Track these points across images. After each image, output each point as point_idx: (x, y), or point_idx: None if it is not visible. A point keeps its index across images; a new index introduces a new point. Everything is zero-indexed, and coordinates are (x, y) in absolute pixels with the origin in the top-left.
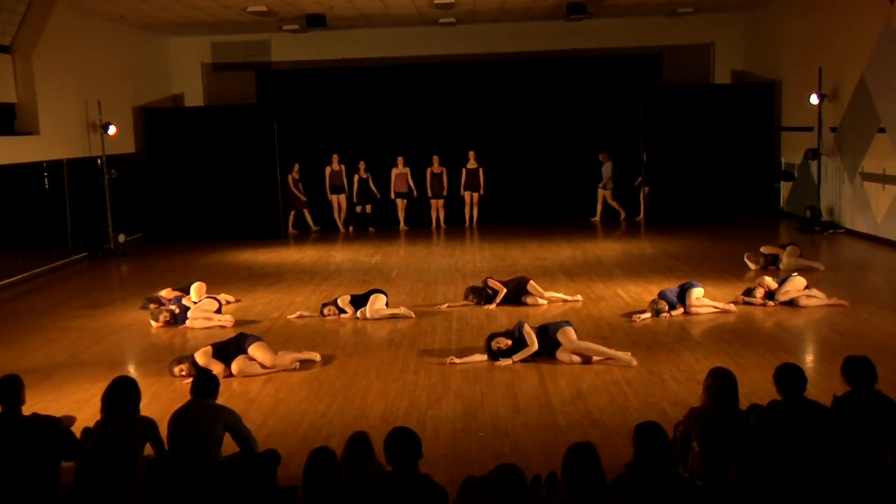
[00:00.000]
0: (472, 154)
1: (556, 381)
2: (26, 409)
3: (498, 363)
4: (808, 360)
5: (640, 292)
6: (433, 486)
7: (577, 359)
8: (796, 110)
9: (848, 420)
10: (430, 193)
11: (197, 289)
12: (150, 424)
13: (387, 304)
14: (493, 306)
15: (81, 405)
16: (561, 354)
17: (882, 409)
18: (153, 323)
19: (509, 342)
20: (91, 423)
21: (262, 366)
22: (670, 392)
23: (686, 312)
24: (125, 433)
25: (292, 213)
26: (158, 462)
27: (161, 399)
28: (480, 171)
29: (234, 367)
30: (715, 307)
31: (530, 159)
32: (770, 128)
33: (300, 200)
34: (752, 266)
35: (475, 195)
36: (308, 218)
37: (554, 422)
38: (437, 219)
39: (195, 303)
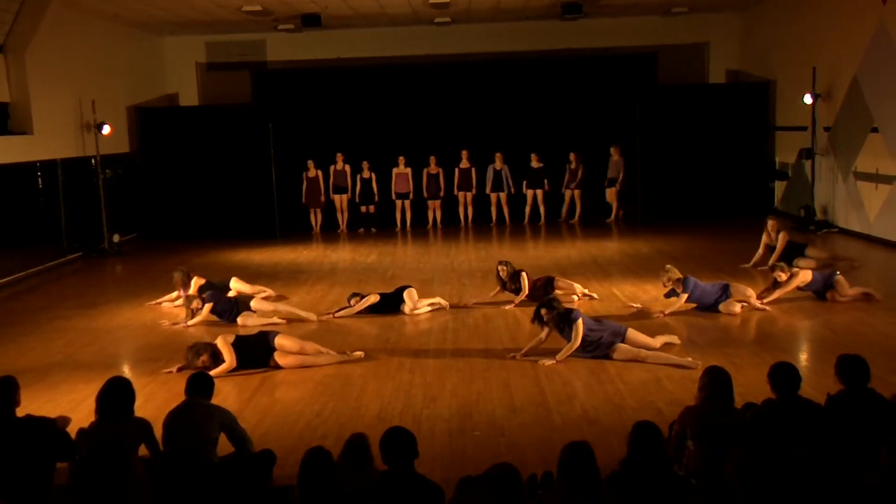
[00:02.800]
0: (465, 154)
1: (552, 380)
2: (20, 411)
3: (540, 363)
4: (803, 358)
5: (636, 291)
6: (429, 485)
7: (642, 353)
8: (790, 110)
9: (842, 418)
10: (426, 194)
11: (235, 282)
12: (144, 425)
13: None
14: (512, 306)
15: (76, 405)
16: (617, 353)
17: (876, 407)
18: (189, 317)
19: (549, 327)
20: (86, 424)
21: (299, 352)
22: (666, 391)
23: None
24: (120, 434)
25: (311, 210)
26: (153, 463)
27: (156, 399)
28: (473, 170)
29: (281, 361)
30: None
31: (526, 159)
32: (765, 127)
33: (320, 200)
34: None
35: (469, 195)
36: (313, 218)
37: (550, 421)
38: (434, 219)
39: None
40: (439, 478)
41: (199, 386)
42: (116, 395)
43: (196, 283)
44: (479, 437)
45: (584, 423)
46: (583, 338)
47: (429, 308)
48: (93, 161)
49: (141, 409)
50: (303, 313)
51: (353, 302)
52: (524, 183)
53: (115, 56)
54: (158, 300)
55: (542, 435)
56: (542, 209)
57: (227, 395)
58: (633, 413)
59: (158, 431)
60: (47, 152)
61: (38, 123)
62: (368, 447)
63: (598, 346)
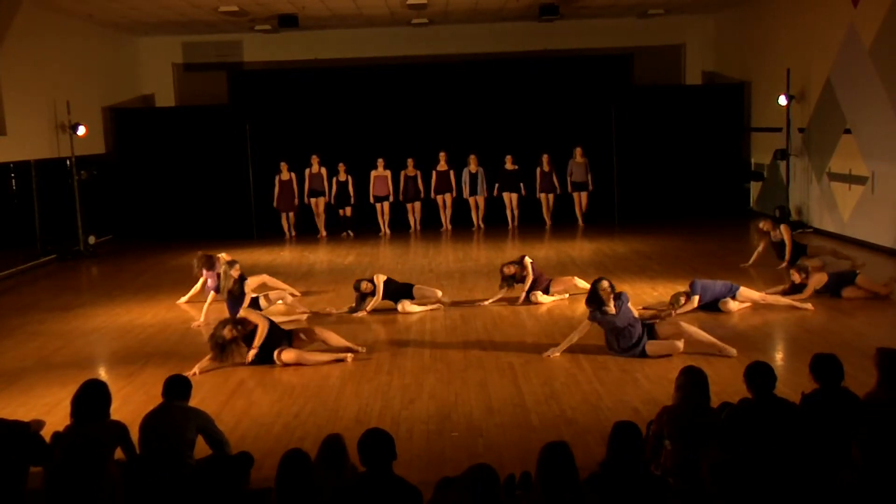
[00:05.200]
0: (442, 156)
1: (530, 381)
2: None
3: (545, 355)
4: (778, 358)
5: None
6: (407, 486)
7: (678, 346)
8: (765, 111)
9: (816, 417)
10: (401, 198)
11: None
12: (120, 428)
13: None
14: (521, 299)
15: (51, 409)
16: (651, 348)
17: (848, 405)
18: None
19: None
20: (61, 427)
21: (324, 342)
22: (643, 391)
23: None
24: (95, 437)
25: (283, 214)
26: (129, 466)
27: (132, 402)
28: (451, 173)
29: (288, 356)
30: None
31: (503, 160)
32: (740, 128)
33: (293, 203)
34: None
35: (447, 197)
36: (285, 223)
37: (527, 421)
38: (413, 222)
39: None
40: (417, 479)
41: (176, 388)
42: (92, 398)
43: (223, 259)
44: (457, 438)
45: (561, 423)
46: (620, 336)
47: (428, 307)
48: (68, 162)
49: (117, 412)
50: (298, 308)
51: (363, 287)
52: (496, 186)
53: (90, 56)
54: (186, 298)
55: (519, 435)
56: (515, 212)
57: (204, 397)
58: (611, 413)
59: (135, 434)
60: (21, 153)
61: (12, 124)
62: (344, 447)
63: (636, 344)
